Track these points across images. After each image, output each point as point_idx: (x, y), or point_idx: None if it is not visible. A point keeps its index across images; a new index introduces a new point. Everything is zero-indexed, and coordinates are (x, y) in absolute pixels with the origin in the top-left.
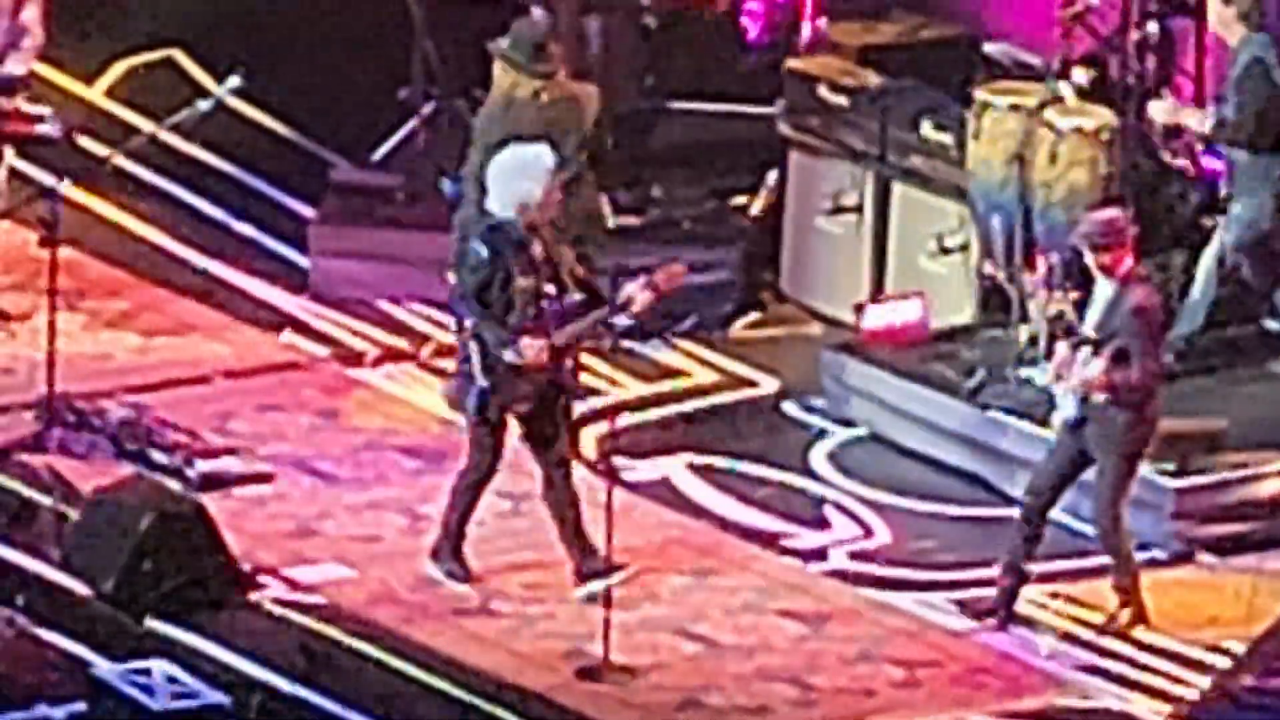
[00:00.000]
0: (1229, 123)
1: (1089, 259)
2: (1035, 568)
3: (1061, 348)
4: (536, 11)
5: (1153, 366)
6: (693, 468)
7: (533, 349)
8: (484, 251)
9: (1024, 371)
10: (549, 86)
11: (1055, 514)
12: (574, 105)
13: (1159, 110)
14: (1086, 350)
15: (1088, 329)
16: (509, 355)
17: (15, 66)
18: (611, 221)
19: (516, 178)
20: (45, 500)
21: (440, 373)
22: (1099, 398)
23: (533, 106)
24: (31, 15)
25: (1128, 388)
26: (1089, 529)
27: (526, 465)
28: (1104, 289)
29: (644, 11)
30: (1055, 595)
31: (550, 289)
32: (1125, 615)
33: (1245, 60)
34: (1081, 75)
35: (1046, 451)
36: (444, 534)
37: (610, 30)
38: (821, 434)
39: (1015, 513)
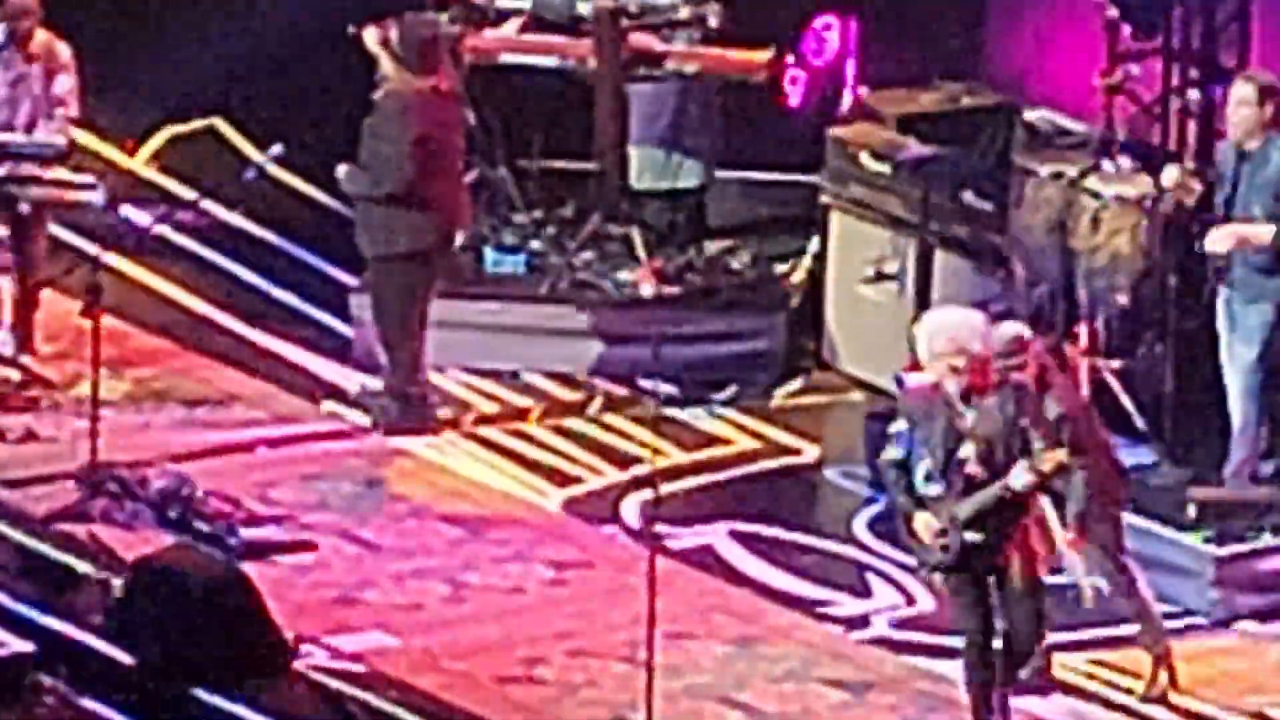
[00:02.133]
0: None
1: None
2: (1076, 635)
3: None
4: (431, 14)
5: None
6: (735, 535)
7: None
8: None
9: None
10: (440, 80)
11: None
12: (450, 104)
13: (1218, 241)
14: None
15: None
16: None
17: (53, 136)
18: (653, 290)
19: (954, 334)
20: (89, 569)
21: (479, 440)
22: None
23: (430, 97)
24: (66, 86)
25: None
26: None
27: (572, 533)
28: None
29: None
30: (1097, 663)
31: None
32: (1162, 678)
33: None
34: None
35: None
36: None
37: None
38: (871, 501)
39: (1054, 580)
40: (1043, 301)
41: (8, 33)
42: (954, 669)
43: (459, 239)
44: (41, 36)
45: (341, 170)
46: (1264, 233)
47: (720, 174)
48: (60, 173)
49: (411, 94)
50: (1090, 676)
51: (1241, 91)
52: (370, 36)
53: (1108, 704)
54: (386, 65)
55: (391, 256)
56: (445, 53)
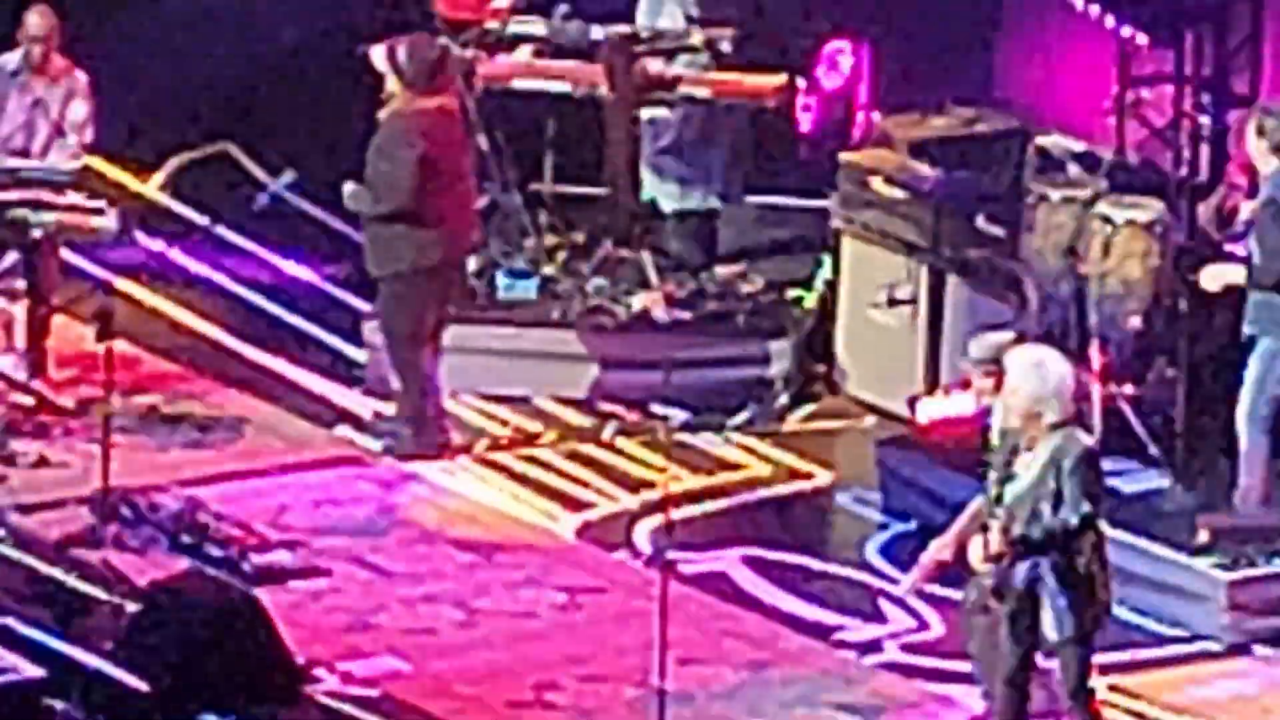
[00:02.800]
0: (1254, 266)
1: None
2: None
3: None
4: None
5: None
6: (747, 560)
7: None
8: None
9: None
10: (445, 100)
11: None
12: (455, 124)
13: (1208, 278)
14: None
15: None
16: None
17: (67, 162)
18: (665, 315)
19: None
20: (101, 594)
21: (491, 465)
22: None
23: (435, 117)
24: (82, 112)
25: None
26: (1144, 620)
27: (584, 559)
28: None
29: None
30: (1114, 689)
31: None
32: None
33: (1263, 198)
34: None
35: None
36: None
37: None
38: (884, 526)
39: None
40: (1054, 326)
41: (24, 57)
42: (965, 693)
43: (470, 261)
44: (59, 61)
45: (347, 189)
46: (1237, 274)
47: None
48: (73, 198)
49: (415, 113)
50: (1109, 704)
51: None
52: (378, 55)
53: None
54: (392, 84)
55: (395, 275)
56: (453, 73)
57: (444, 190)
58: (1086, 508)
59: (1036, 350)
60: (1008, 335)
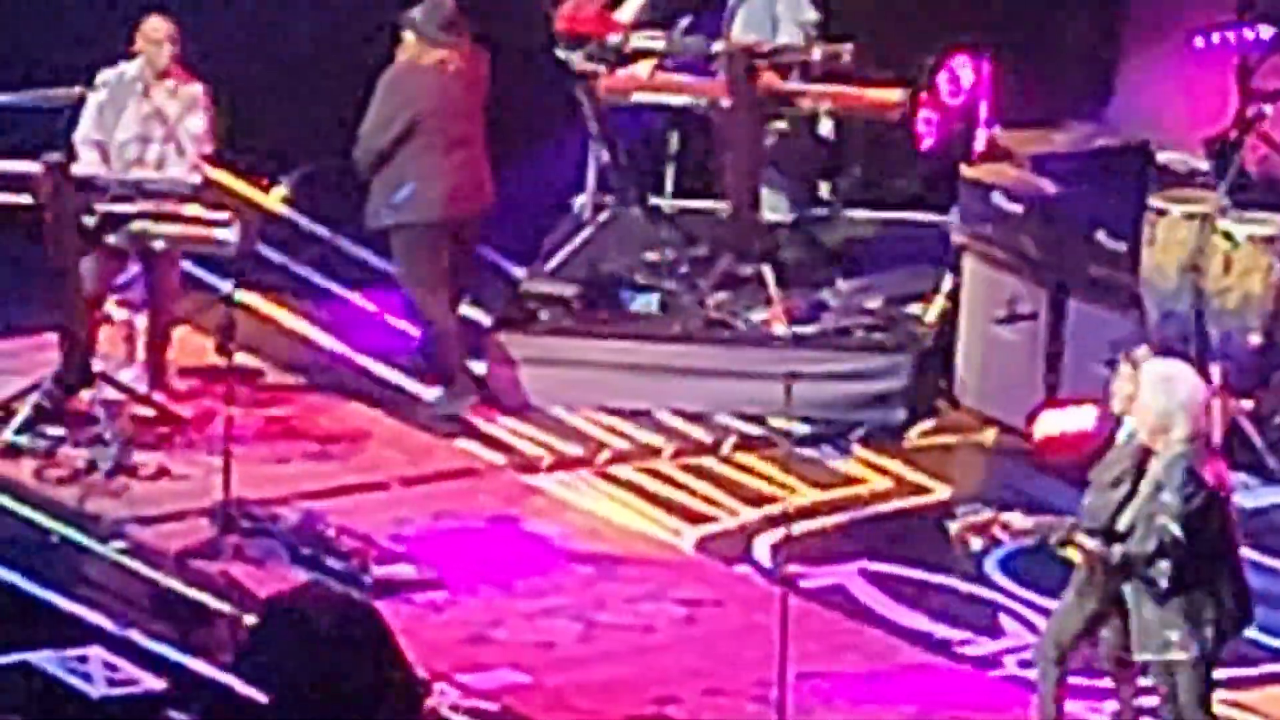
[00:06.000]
0: None
1: None
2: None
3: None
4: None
5: None
6: (866, 574)
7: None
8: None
9: None
10: (451, 57)
11: None
12: (475, 75)
13: None
14: None
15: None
16: None
17: (188, 175)
18: (786, 329)
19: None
20: (221, 606)
21: (612, 478)
22: None
23: (434, 74)
24: (200, 122)
25: None
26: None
27: (705, 572)
28: None
29: (820, 119)
30: (1235, 704)
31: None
32: None
33: None
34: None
35: None
36: None
37: (787, 137)
38: (997, 542)
39: None
40: (1174, 342)
41: (146, 63)
42: (1083, 709)
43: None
44: (178, 70)
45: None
46: None
47: (855, 213)
48: (194, 209)
49: (411, 68)
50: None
51: None
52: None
53: None
54: (406, 38)
55: (397, 228)
56: (463, 32)
57: (440, 149)
58: (1175, 527)
59: (1168, 365)
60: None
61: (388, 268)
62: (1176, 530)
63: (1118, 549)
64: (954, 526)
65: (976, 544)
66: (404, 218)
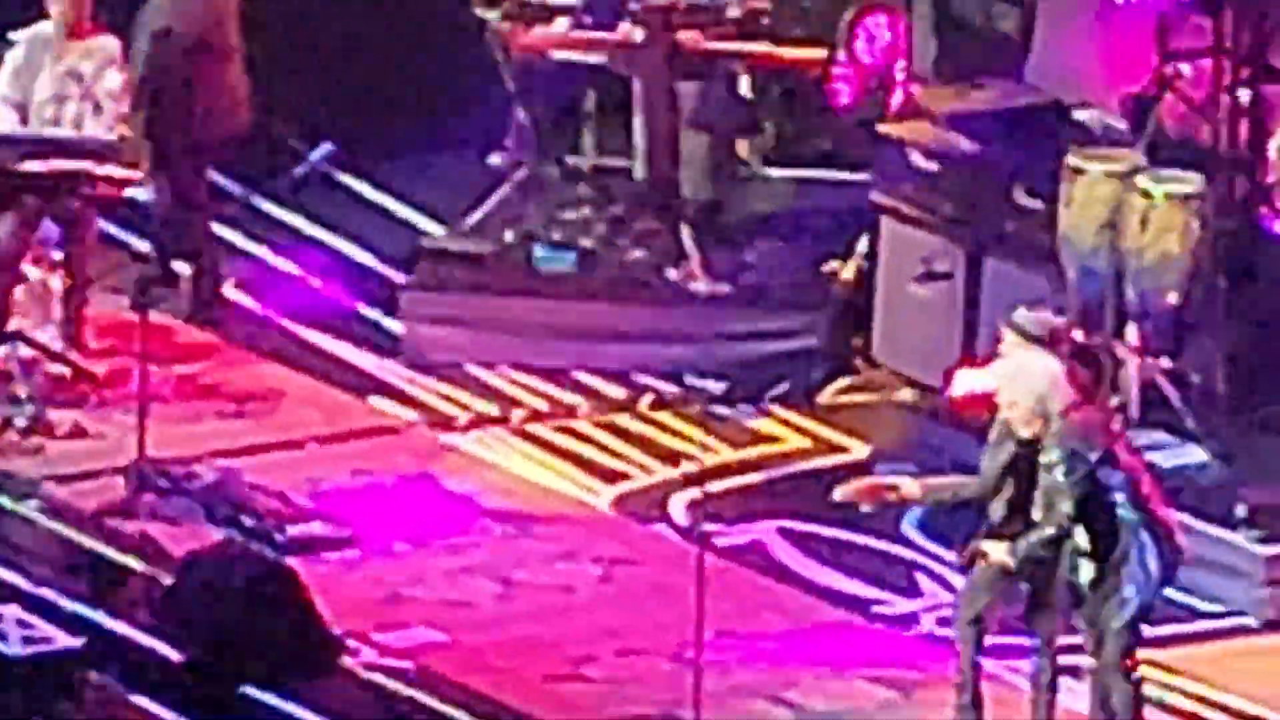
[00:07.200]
0: None
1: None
2: None
3: None
4: None
5: None
6: (784, 533)
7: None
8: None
9: None
10: None
11: None
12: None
13: None
14: None
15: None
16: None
17: (103, 133)
18: (703, 287)
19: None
20: (137, 565)
21: (528, 437)
22: None
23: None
24: (115, 82)
25: None
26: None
27: (623, 533)
28: None
29: (737, 77)
30: (1150, 664)
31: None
32: None
33: None
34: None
35: None
36: None
37: (705, 96)
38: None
39: None
40: (1091, 300)
41: (57, 24)
42: (998, 667)
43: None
44: (92, 28)
45: None
46: None
47: (773, 172)
48: (109, 169)
49: None
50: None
51: None
52: None
53: (1162, 705)
54: None
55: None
56: None
57: (197, 68)
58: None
59: (1010, 360)
60: (1059, 318)
61: (305, 226)
62: (1066, 506)
63: (1022, 544)
64: (842, 491)
65: (866, 508)
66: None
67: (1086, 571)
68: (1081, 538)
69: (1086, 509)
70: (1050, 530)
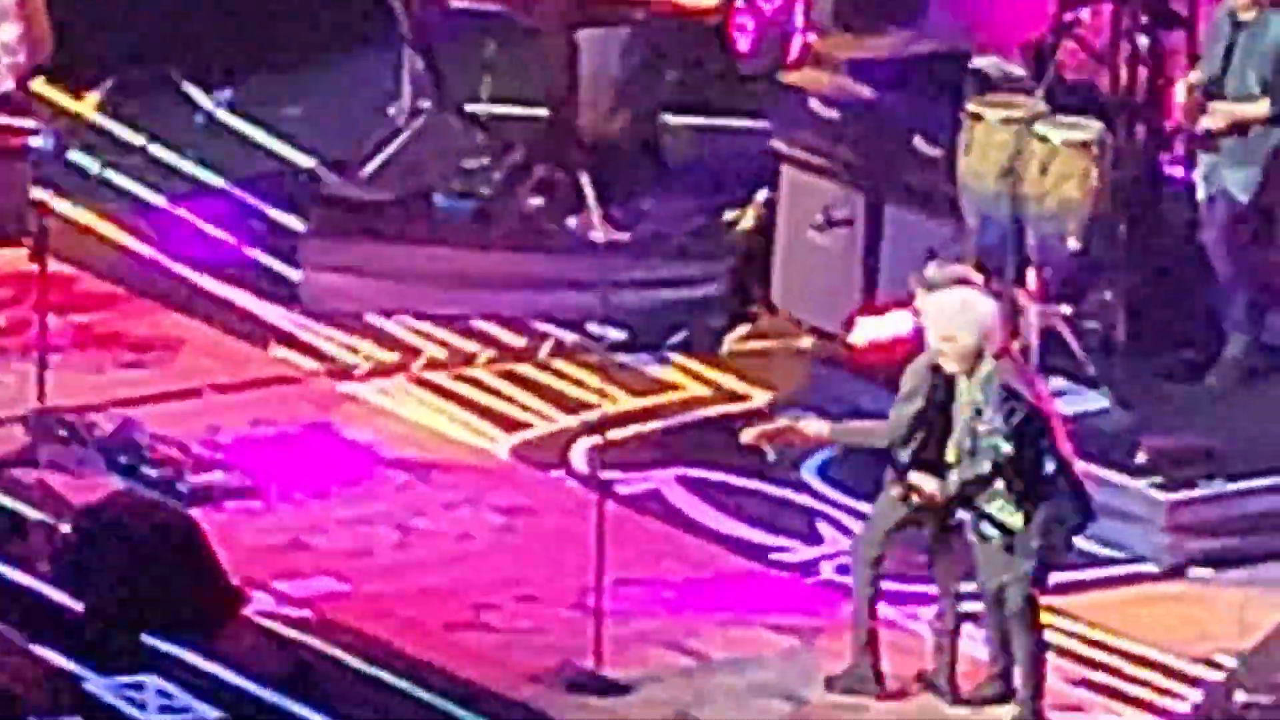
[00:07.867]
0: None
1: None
2: None
3: None
4: None
5: None
6: (683, 480)
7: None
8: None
9: None
10: None
11: None
12: None
13: (1214, 119)
14: None
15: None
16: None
17: None
18: (603, 236)
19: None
20: (36, 515)
21: (428, 385)
22: None
23: None
24: (11, 34)
25: None
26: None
27: (521, 479)
28: None
29: (636, 25)
30: (1052, 610)
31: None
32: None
33: None
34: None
35: None
36: None
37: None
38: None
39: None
40: (992, 247)
41: None
42: (895, 613)
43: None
44: None
45: None
46: (1259, 110)
47: (671, 119)
48: (4, 119)
49: None
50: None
51: None
52: None
53: (1060, 650)
54: None
55: None
56: None
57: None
58: (1005, 444)
59: (954, 293)
60: (965, 268)
61: (205, 176)
62: (1007, 447)
63: (953, 479)
64: (749, 433)
65: (770, 452)
66: None
67: (1008, 514)
68: (1008, 480)
69: (1018, 452)
70: (986, 467)
